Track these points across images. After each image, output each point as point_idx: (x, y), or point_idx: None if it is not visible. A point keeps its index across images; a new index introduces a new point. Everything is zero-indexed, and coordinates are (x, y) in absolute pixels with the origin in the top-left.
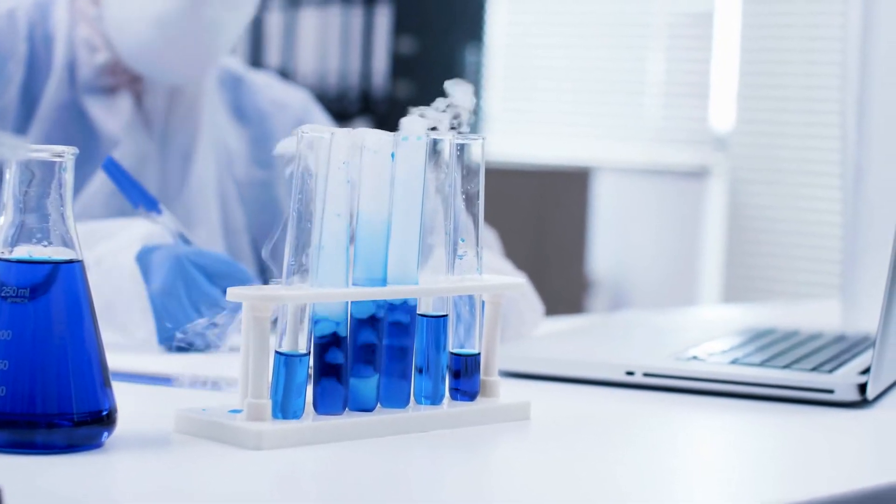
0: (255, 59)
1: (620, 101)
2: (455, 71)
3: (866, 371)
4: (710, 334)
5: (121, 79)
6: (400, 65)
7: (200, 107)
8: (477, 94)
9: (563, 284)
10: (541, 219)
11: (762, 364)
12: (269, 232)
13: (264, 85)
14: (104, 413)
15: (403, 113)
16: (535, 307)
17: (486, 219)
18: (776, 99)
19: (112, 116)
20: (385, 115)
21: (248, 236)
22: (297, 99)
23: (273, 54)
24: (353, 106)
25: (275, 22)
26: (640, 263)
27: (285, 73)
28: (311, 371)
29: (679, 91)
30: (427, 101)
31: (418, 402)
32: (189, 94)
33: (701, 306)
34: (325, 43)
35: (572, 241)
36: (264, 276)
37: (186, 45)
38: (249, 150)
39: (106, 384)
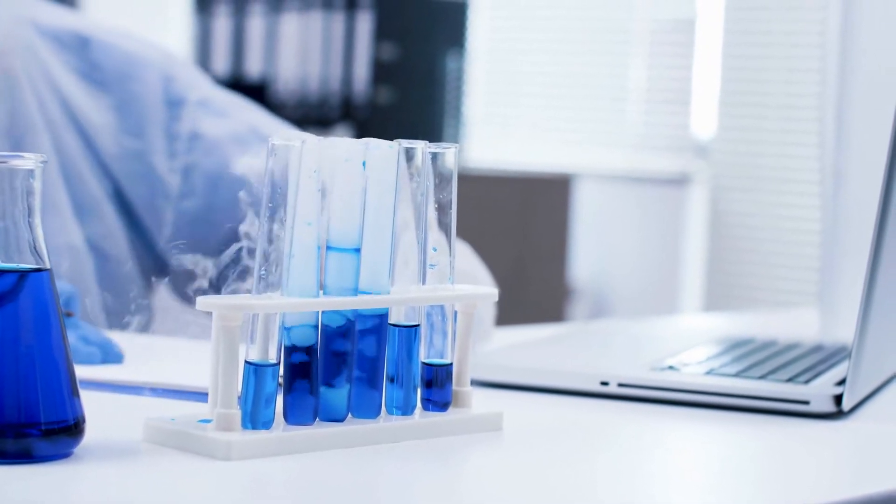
0: (237, 64)
1: (602, 108)
2: (436, 77)
3: (842, 382)
4: (688, 343)
5: None
6: (381, 71)
7: (15, 85)
8: (458, 100)
9: (543, 292)
10: (522, 225)
11: (738, 375)
12: (153, 202)
13: (116, 41)
14: (72, 422)
15: (385, 119)
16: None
17: (468, 226)
18: (758, 106)
19: None
20: (366, 121)
21: (123, 214)
22: (158, 54)
23: (254, 59)
24: (334, 112)
25: (256, 27)
26: (621, 271)
27: (266, 79)
28: (282, 381)
29: (661, 98)
30: (408, 107)
31: (389, 412)
32: None
33: (681, 314)
34: (307, 49)
35: (553, 248)
36: (149, 256)
37: None
38: (115, 119)
39: (74, 393)
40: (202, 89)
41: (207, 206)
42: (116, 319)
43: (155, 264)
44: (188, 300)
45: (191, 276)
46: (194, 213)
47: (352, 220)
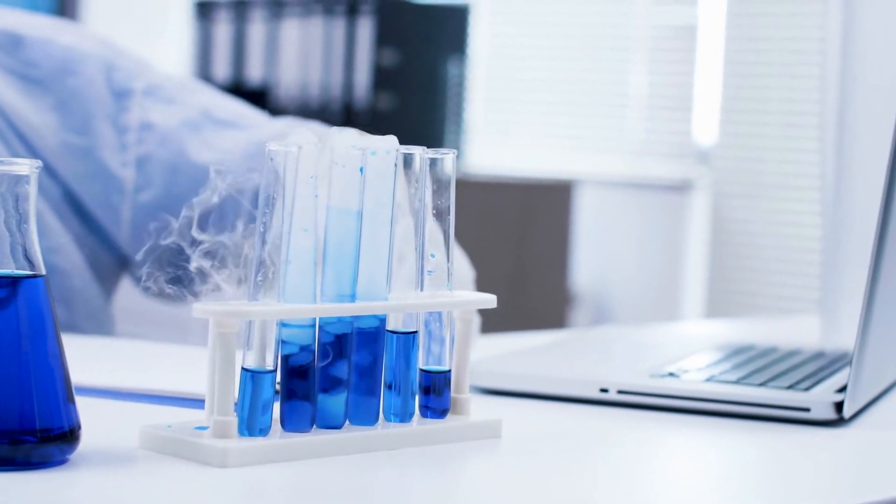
0: (238, 70)
1: (603, 114)
2: (437, 83)
3: (843, 389)
4: (688, 350)
5: None
6: (382, 77)
7: None
8: (459, 106)
9: (544, 298)
10: (523, 232)
11: (738, 381)
12: (107, 200)
13: (51, 36)
14: (68, 429)
15: (386, 125)
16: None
17: (468, 232)
18: (759, 113)
19: None
20: (367, 127)
21: (75, 218)
22: (97, 45)
23: (255, 66)
24: (335, 118)
25: (256, 33)
26: (622, 277)
27: (267, 85)
28: (279, 387)
29: (662, 104)
30: (409, 112)
31: (387, 419)
32: None
33: (683, 321)
34: (307, 54)
35: (554, 255)
36: (102, 255)
37: None
38: (56, 118)
39: (70, 400)
40: (147, 77)
41: (167, 196)
42: (69, 329)
43: (116, 261)
44: (155, 292)
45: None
46: (154, 204)
47: (349, 225)
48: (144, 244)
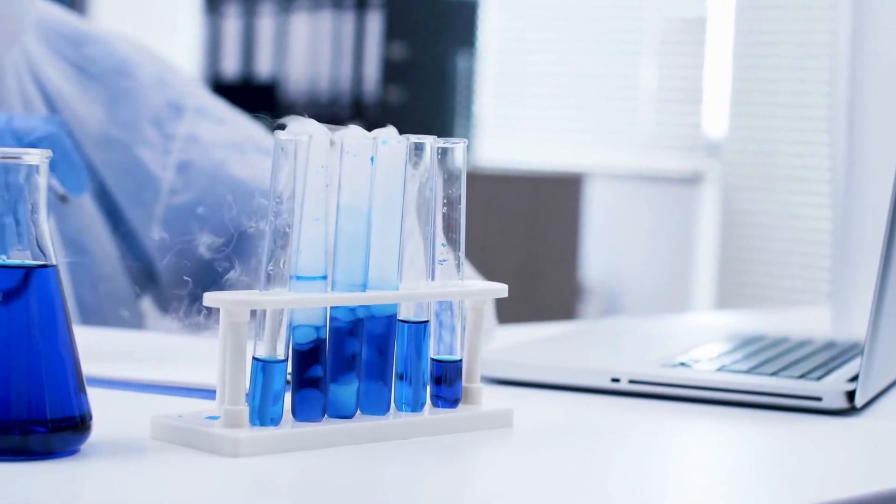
0: (247, 64)
1: (613, 107)
2: (446, 77)
3: (855, 378)
4: (699, 341)
5: None
6: (391, 70)
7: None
8: (468, 99)
9: (555, 290)
10: (533, 225)
11: (749, 371)
12: (139, 196)
13: (113, 40)
14: (79, 419)
15: (395, 118)
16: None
17: (479, 225)
18: (769, 105)
19: None
20: (376, 120)
21: (106, 213)
22: (153, 59)
23: (264, 60)
24: (345, 111)
25: (266, 27)
26: (632, 269)
27: (277, 79)
28: (290, 377)
29: (672, 97)
30: (418, 106)
31: (399, 409)
32: None
33: (693, 312)
34: (317, 48)
35: (564, 247)
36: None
37: None
38: (104, 112)
39: (81, 389)
40: (199, 97)
41: (201, 203)
42: (97, 318)
43: (142, 269)
44: (174, 312)
45: (177, 286)
46: (186, 208)
47: (359, 215)
48: (171, 249)
